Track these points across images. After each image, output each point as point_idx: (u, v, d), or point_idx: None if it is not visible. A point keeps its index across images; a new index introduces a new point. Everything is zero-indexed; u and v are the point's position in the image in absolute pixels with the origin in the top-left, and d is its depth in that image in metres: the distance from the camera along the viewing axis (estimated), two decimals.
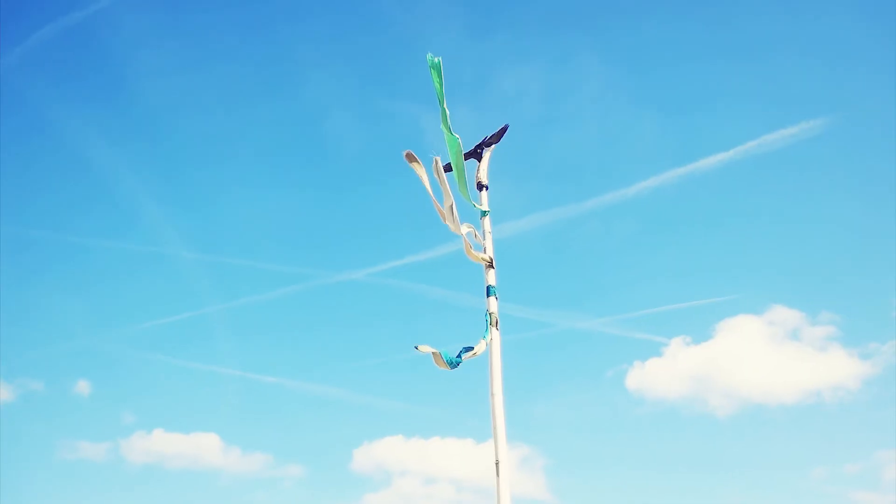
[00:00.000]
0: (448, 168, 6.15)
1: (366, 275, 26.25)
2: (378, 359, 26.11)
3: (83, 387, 24.77)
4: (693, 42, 28.41)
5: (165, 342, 26.90)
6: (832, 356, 22.89)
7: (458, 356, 5.37)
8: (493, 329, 5.61)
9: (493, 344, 5.56)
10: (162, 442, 23.31)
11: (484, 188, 6.55)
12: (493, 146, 6.76)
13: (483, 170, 6.68)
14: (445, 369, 5.34)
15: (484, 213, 6.35)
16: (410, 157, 6.10)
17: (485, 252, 6.09)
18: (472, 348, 5.44)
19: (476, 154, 6.70)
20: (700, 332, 26.28)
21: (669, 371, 23.63)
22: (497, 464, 4.99)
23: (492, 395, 5.33)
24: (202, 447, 23.71)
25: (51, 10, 28.84)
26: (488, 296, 5.86)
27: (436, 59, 5.90)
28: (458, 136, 6.09)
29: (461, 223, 5.97)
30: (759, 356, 23.40)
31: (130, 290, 28.49)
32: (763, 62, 27.65)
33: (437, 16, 28.23)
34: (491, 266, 6.02)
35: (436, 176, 5.96)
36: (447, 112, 6.01)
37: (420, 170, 6.04)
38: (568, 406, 23.72)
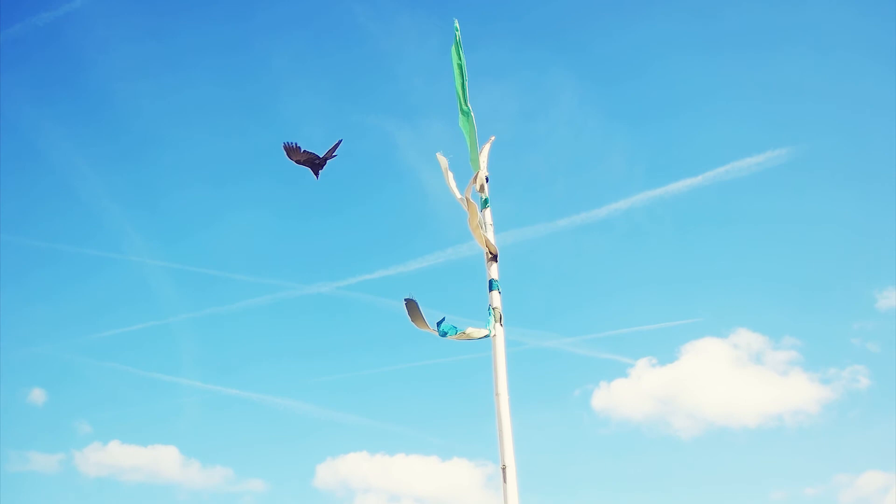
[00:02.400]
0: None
1: (334, 288, 25.65)
2: (344, 374, 25.47)
3: (37, 395, 23.49)
4: (670, 62, 28.89)
5: (126, 351, 25.83)
6: (794, 380, 23.18)
7: (445, 327, 5.07)
8: (497, 325, 5.23)
9: (496, 340, 5.17)
10: (118, 454, 22.24)
11: (485, 179, 6.22)
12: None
13: (484, 162, 6.37)
14: (425, 330, 5.11)
15: (485, 205, 6.00)
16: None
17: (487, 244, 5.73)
18: (464, 330, 5.10)
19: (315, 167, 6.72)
20: (665, 353, 26.38)
21: (635, 392, 23.58)
22: (504, 469, 4.58)
23: (496, 395, 4.93)
24: (160, 460, 22.72)
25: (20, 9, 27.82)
26: (490, 290, 5.49)
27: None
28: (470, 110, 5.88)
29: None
30: (723, 379, 23.56)
31: (91, 297, 27.34)
32: (739, 87, 28.30)
33: (413, 32, 28.13)
34: (494, 259, 5.65)
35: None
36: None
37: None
38: (535, 425, 23.37)
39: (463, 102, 5.87)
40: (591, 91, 29.01)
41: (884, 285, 23.53)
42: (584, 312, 27.04)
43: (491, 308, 5.34)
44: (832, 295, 25.54)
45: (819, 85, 27.23)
